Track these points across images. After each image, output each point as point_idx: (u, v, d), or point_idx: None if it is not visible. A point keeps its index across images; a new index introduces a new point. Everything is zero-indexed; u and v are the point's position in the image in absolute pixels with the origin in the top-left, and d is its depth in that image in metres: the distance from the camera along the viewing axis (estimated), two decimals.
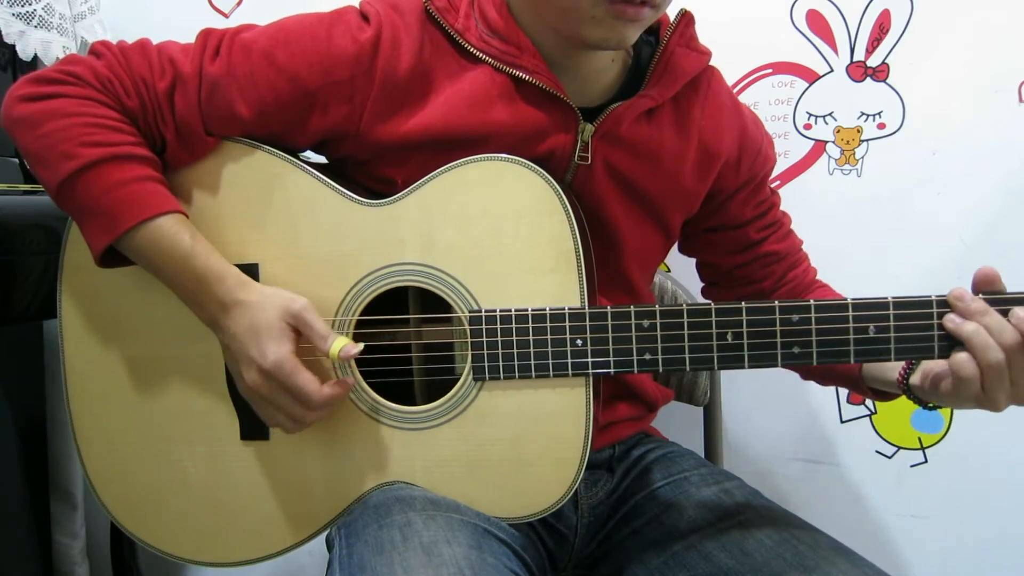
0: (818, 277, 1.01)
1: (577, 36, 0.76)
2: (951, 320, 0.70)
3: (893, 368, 0.81)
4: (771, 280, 0.95)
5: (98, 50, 0.78)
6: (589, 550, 0.92)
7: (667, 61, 0.83)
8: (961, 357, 0.69)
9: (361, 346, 0.74)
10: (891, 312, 0.71)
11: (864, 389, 0.88)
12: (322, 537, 0.84)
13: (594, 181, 0.83)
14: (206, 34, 0.80)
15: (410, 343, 0.82)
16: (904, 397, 0.81)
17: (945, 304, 0.71)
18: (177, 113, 0.77)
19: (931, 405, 0.80)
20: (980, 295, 0.70)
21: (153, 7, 1.40)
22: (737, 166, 0.90)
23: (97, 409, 0.85)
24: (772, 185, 0.98)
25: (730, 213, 0.93)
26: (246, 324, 0.74)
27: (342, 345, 0.73)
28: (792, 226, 1.00)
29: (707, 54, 0.87)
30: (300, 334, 0.75)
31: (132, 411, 0.84)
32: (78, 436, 0.86)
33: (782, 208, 0.99)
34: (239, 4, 1.41)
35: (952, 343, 0.70)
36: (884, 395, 0.87)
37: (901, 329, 0.71)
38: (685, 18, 0.84)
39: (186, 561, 0.86)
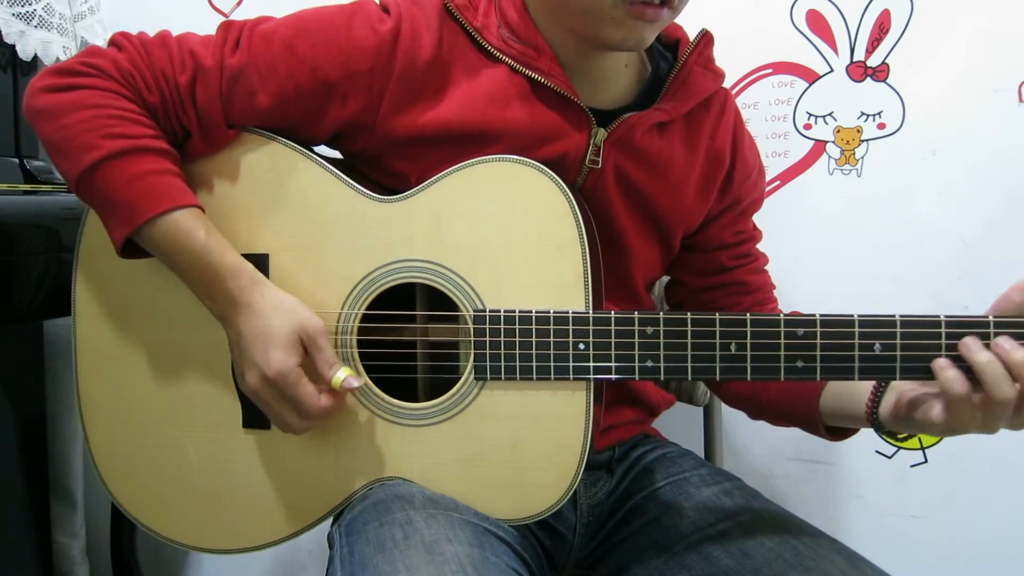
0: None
1: (596, 37, 0.76)
2: (966, 346, 0.68)
3: (858, 402, 0.79)
4: (737, 311, 0.94)
5: (119, 42, 0.79)
6: (588, 550, 0.92)
7: (684, 78, 0.84)
8: (958, 380, 0.67)
9: (363, 380, 0.75)
10: (897, 330, 0.70)
11: (820, 429, 0.85)
12: (323, 535, 0.84)
13: (604, 186, 0.84)
14: (226, 26, 0.80)
15: (415, 339, 0.82)
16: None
17: (953, 324, 0.69)
18: (199, 106, 0.77)
19: (902, 436, 0.79)
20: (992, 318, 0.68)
21: (153, 7, 1.40)
22: (726, 185, 0.91)
23: (105, 390, 0.85)
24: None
25: (708, 234, 0.93)
26: (258, 327, 0.74)
27: (345, 376, 0.74)
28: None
29: (722, 75, 0.88)
30: (307, 353, 0.75)
31: (138, 394, 0.84)
32: (84, 416, 0.86)
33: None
34: (239, 3, 1.41)
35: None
36: (840, 433, 0.86)
37: (907, 348, 0.70)
38: (705, 38, 0.85)
39: (186, 547, 0.86)
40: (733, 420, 1.28)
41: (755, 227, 0.97)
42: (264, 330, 0.73)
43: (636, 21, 0.73)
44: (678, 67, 0.83)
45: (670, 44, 0.88)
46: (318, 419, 0.75)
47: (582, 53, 0.81)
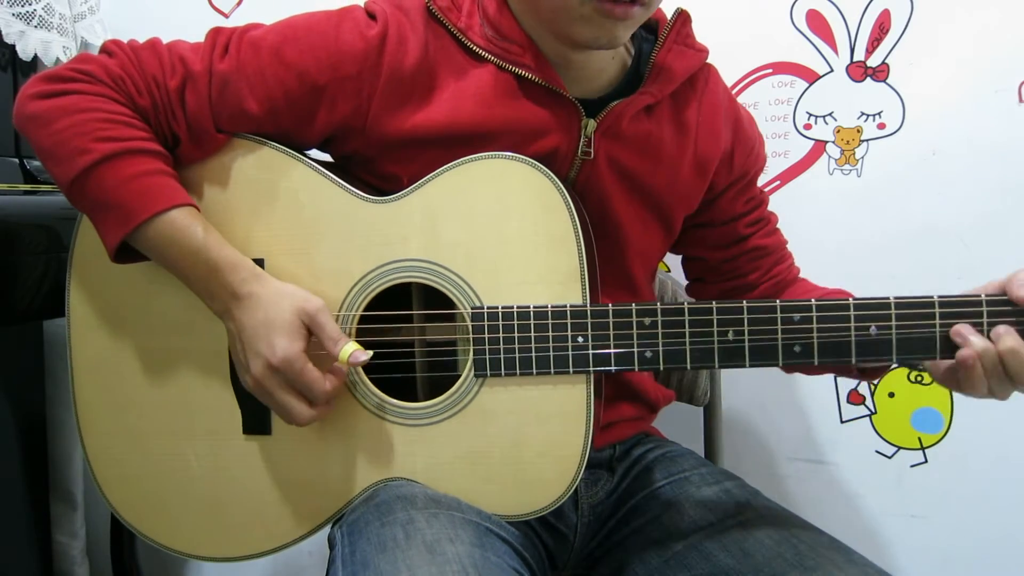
0: (812, 277, 1.00)
1: (568, 36, 0.77)
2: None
3: None
4: (758, 274, 0.96)
5: (110, 49, 0.79)
6: (589, 549, 0.92)
7: (664, 59, 0.84)
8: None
9: (370, 353, 0.75)
10: (892, 312, 0.71)
11: (852, 371, 0.88)
12: (323, 537, 0.84)
13: (598, 176, 0.84)
14: (215, 32, 0.81)
15: (413, 339, 0.82)
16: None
17: (947, 304, 0.71)
18: (188, 111, 0.77)
19: (922, 367, 0.80)
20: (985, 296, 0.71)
21: (153, 7, 1.40)
22: (730, 161, 0.91)
23: (102, 399, 0.85)
24: (772, 185, 0.98)
25: (720, 209, 0.94)
26: (259, 317, 0.74)
27: (352, 350, 0.74)
28: (792, 226, 1.00)
29: (704, 51, 0.88)
30: (312, 334, 0.75)
31: (136, 402, 0.84)
32: (82, 425, 0.86)
33: (779, 209, 0.99)
34: (239, 4, 1.41)
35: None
36: (872, 372, 0.88)
37: (903, 329, 0.71)
38: (681, 17, 0.85)
39: (186, 555, 0.86)
40: (733, 420, 1.28)
41: (761, 190, 0.98)
42: (266, 319, 0.74)
43: (605, 19, 0.74)
44: (657, 48, 0.84)
45: (651, 26, 0.88)
46: (325, 406, 0.75)
47: (565, 49, 0.81)
